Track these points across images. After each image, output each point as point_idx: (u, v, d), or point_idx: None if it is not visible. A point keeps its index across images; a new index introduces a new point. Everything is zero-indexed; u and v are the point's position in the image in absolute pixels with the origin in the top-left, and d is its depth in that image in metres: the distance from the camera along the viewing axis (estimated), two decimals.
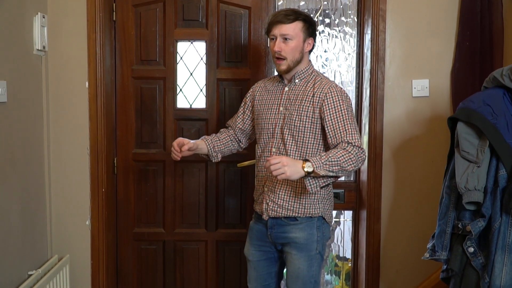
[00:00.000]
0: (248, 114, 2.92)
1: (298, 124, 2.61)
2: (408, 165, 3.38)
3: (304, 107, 2.60)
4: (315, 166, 2.38)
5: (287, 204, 2.66)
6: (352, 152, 2.45)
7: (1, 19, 2.67)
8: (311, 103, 2.60)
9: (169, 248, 3.57)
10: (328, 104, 2.56)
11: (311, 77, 2.69)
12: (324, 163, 2.39)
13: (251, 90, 2.94)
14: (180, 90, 3.52)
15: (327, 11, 3.61)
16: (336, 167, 2.41)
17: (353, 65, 3.57)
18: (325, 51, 3.61)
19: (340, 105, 2.55)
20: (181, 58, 3.50)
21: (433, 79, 3.34)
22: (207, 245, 3.57)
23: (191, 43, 3.48)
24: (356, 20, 3.53)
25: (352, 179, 3.59)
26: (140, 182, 3.53)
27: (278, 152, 2.67)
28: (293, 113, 2.62)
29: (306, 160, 2.40)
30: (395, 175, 3.39)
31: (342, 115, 2.54)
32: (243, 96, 3.42)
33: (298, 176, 2.39)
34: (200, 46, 3.48)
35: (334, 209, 3.61)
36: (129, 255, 3.57)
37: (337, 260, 3.72)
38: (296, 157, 2.61)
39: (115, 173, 3.50)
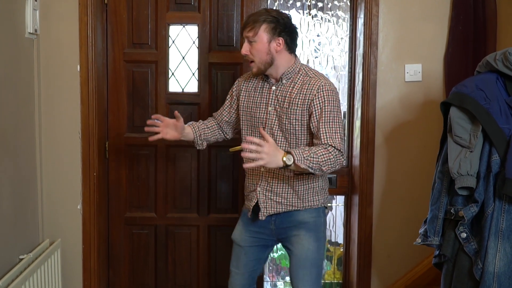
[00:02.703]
0: (234, 107, 2.87)
1: (289, 127, 2.56)
2: (401, 150, 3.38)
3: (293, 110, 2.54)
4: (296, 159, 2.33)
5: (285, 201, 2.63)
6: (332, 154, 2.39)
7: None
8: (301, 105, 2.53)
9: (160, 233, 3.57)
10: (315, 105, 2.50)
11: (298, 76, 2.60)
12: (306, 158, 2.35)
13: (237, 83, 2.88)
14: (172, 74, 3.49)
15: None
16: (315, 165, 2.36)
17: (346, 50, 3.56)
18: (318, 35, 3.59)
19: (326, 107, 2.48)
20: (173, 41, 3.46)
21: (426, 63, 3.33)
22: (199, 229, 3.57)
23: (183, 26, 3.45)
24: (349, 4, 3.51)
25: (344, 164, 3.59)
26: (132, 166, 3.51)
27: None
28: (282, 116, 2.57)
29: (288, 152, 2.35)
30: (387, 160, 3.39)
31: (329, 117, 2.47)
32: (235, 80, 3.40)
33: (274, 166, 2.35)
34: (192, 30, 3.45)
35: None
36: (121, 240, 3.56)
37: (329, 245, 3.72)
38: None
39: (106, 157, 3.48)
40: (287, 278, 3.77)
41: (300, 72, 2.61)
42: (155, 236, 3.57)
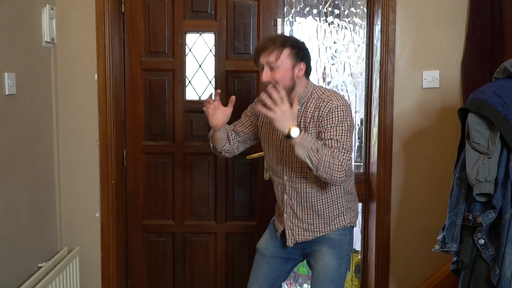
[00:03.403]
0: (247, 125, 2.81)
1: None
2: (418, 157, 3.36)
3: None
4: (302, 138, 2.31)
5: (312, 227, 2.62)
6: (336, 161, 2.34)
7: (10, 11, 2.67)
8: (315, 129, 2.49)
9: (178, 240, 3.58)
10: (327, 120, 2.44)
11: (311, 99, 2.53)
12: (311, 147, 2.32)
13: (252, 105, 2.86)
14: (189, 82, 3.51)
15: (336, 2, 3.58)
16: (316, 160, 2.32)
17: (363, 56, 3.55)
18: (334, 42, 3.59)
19: (338, 124, 2.42)
20: (190, 50, 3.49)
21: (443, 70, 3.31)
22: (216, 237, 3.57)
23: (200, 34, 3.47)
24: (365, 10, 3.51)
25: (361, 171, 3.57)
26: (149, 174, 3.53)
27: (289, 180, 2.60)
28: None
29: (298, 128, 2.32)
30: (405, 167, 3.37)
31: (340, 131, 2.42)
32: (252, 88, 3.41)
33: (280, 127, 2.32)
34: (209, 38, 3.47)
35: None
36: (139, 247, 3.58)
37: None
38: (303, 182, 2.57)
39: (124, 165, 3.50)
40: (305, 286, 3.75)
41: (313, 95, 2.54)
42: (173, 244, 3.58)
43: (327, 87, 3.55)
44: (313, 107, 2.51)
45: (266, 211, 3.51)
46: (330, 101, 2.46)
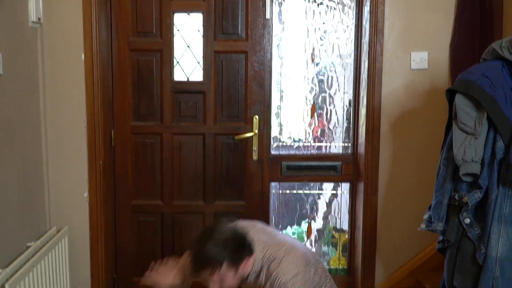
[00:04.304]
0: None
1: None
2: (406, 137, 3.39)
3: None
4: None
5: None
6: None
7: None
8: None
9: (167, 220, 3.59)
10: None
11: (262, 273, 2.41)
12: None
13: None
14: (177, 62, 3.50)
15: None
16: None
17: (352, 38, 3.55)
18: (323, 23, 3.58)
19: None
20: (178, 30, 3.47)
21: (432, 51, 3.33)
22: (205, 217, 3.59)
23: (188, 14, 3.45)
24: None
25: (349, 152, 3.59)
26: (137, 154, 3.53)
27: None
28: None
29: None
30: (392, 147, 3.39)
31: None
32: (241, 68, 3.41)
33: None
34: (197, 18, 3.45)
35: (332, 181, 3.63)
36: (128, 227, 3.58)
37: (334, 232, 3.74)
38: None
39: (112, 145, 3.49)
40: None
41: (263, 269, 2.40)
42: (162, 224, 3.59)
43: (315, 68, 3.57)
44: (265, 280, 2.40)
45: (255, 191, 3.53)
46: (277, 277, 2.33)
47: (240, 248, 2.34)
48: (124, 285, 3.64)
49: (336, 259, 3.74)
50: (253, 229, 2.52)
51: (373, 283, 3.47)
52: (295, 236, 3.76)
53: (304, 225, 3.77)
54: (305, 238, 3.77)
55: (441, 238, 2.45)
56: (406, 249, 3.43)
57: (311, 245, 3.77)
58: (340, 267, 3.73)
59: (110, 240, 3.52)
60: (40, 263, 2.84)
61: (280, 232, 2.78)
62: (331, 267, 3.74)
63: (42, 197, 3.23)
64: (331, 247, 3.76)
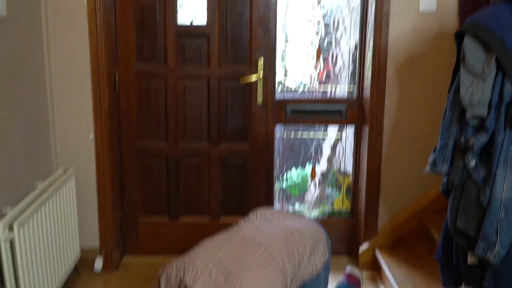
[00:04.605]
0: None
1: None
2: (412, 81, 3.37)
3: None
4: None
5: None
6: None
7: None
8: None
9: (172, 162, 3.62)
10: None
11: None
12: None
13: None
14: (181, 5, 3.45)
15: None
16: None
17: None
18: None
19: None
20: None
21: None
22: (210, 160, 3.62)
23: None
24: None
25: (355, 95, 3.59)
26: (142, 97, 3.53)
27: None
28: None
29: None
30: (398, 91, 3.38)
31: None
32: (245, 11, 3.37)
33: None
34: None
35: (337, 124, 3.64)
36: (133, 169, 3.62)
37: (338, 175, 3.78)
38: None
39: (116, 88, 3.49)
40: (297, 205, 3.84)
41: None
42: (167, 166, 3.63)
43: (321, 11, 3.52)
44: None
45: (259, 135, 3.55)
46: None
47: None
48: (131, 226, 3.71)
49: (339, 201, 3.78)
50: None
51: (376, 225, 3.52)
52: (300, 178, 3.79)
53: (309, 168, 3.80)
54: (309, 181, 3.80)
55: (445, 180, 2.46)
56: (409, 191, 3.47)
57: (315, 187, 3.81)
58: (344, 209, 3.78)
59: (117, 182, 3.56)
60: (48, 202, 2.88)
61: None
62: (335, 209, 3.79)
63: (48, 139, 3.25)
64: (335, 189, 3.80)
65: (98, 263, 3.51)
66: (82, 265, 3.48)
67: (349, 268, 3.23)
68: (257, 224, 2.59)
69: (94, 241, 3.51)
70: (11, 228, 2.48)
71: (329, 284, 3.23)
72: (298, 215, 2.74)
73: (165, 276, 2.36)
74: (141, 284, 3.42)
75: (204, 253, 2.36)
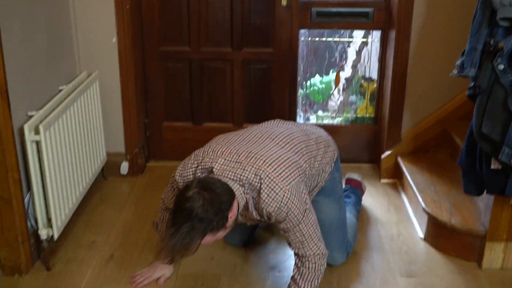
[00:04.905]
0: None
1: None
2: None
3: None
4: None
5: None
6: (316, 268, 2.30)
7: None
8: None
9: (195, 67, 3.59)
10: (282, 225, 2.25)
11: (250, 205, 2.23)
12: None
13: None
14: None
15: None
16: (313, 281, 2.31)
17: None
18: None
19: (295, 224, 2.23)
20: None
21: None
22: (233, 64, 3.58)
23: None
24: None
25: None
26: (164, 0, 3.46)
27: None
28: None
29: None
30: None
31: (299, 230, 2.25)
32: None
33: None
34: None
35: (362, 29, 3.56)
36: (157, 73, 3.61)
37: (362, 81, 3.73)
38: None
39: None
40: (320, 112, 3.83)
41: (249, 202, 2.22)
42: (190, 70, 3.61)
43: None
44: (256, 212, 2.25)
45: (283, 38, 3.49)
46: (269, 210, 2.17)
47: (218, 214, 2.06)
48: (155, 131, 3.75)
49: (363, 108, 3.76)
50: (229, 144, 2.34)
51: (399, 131, 3.50)
52: (323, 85, 3.76)
53: (332, 74, 3.76)
54: (333, 87, 3.77)
55: (472, 84, 2.42)
56: (434, 97, 3.42)
57: (338, 93, 3.77)
58: (367, 115, 3.76)
59: (140, 86, 3.56)
60: (73, 106, 2.90)
61: (272, 128, 2.54)
62: (358, 115, 3.77)
63: (71, 42, 3.24)
64: (359, 95, 3.77)
65: (124, 167, 3.57)
66: (108, 169, 3.56)
67: (348, 175, 3.26)
68: (273, 124, 2.61)
69: (119, 146, 3.57)
70: (37, 131, 2.51)
71: None
72: (302, 122, 2.75)
73: (182, 164, 2.39)
74: (165, 186, 3.49)
75: (223, 140, 2.38)
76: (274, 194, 2.14)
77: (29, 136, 2.48)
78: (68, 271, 2.70)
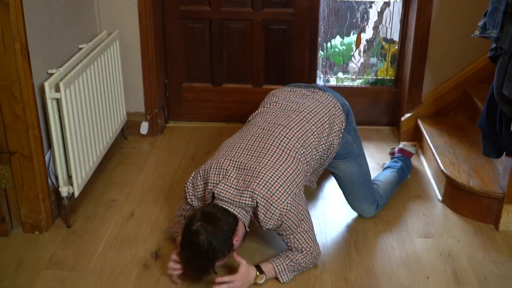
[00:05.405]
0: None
1: None
2: None
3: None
4: (272, 273, 2.35)
5: None
6: (309, 256, 2.38)
7: None
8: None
9: (215, 27, 3.58)
10: (280, 231, 2.34)
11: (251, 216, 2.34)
12: (286, 269, 2.36)
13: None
14: None
15: None
16: (299, 270, 2.40)
17: None
18: None
19: (289, 233, 2.33)
20: None
21: None
22: (253, 24, 3.56)
23: None
24: None
25: None
26: None
27: None
28: None
29: (261, 271, 2.33)
30: None
31: (293, 237, 2.34)
32: None
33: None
34: None
35: None
36: (176, 33, 3.60)
37: (384, 43, 3.68)
38: None
39: None
40: (340, 74, 3.80)
41: (249, 213, 2.32)
42: (210, 30, 3.59)
43: None
44: (259, 221, 2.31)
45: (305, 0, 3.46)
46: (267, 218, 2.26)
47: (224, 244, 2.21)
48: (175, 92, 3.76)
49: (384, 70, 3.72)
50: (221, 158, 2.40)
51: (420, 94, 3.47)
52: (344, 47, 3.72)
53: (353, 36, 3.72)
54: (354, 49, 3.73)
55: (494, 45, 2.38)
56: (456, 60, 3.37)
57: (359, 55, 3.74)
58: (388, 77, 3.72)
59: (160, 45, 3.56)
60: (93, 64, 2.91)
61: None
62: (379, 77, 3.74)
63: (91, 1, 3.24)
64: (380, 57, 3.73)
65: (144, 127, 3.60)
66: (129, 129, 3.60)
67: (402, 144, 3.25)
68: (272, 113, 2.58)
69: (139, 106, 3.59)
70: (57, 88, 2.53)
71: (376, 156, 3.30)
72: (313, 90, 2.72)
73: (191, 182, 2.45)
74: (185, 146, 3.52)
75: (226, 154, 2.41)
76: (270, 214, 2.25)
77: (49, 94, 2.51)
78: (88, 228, 2.75)
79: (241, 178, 2.30)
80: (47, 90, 2.50)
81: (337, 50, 3.74)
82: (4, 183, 2.57)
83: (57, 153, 2.61)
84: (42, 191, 2.62)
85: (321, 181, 3.09)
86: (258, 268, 2.35)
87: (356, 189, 2.72)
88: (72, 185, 2.69)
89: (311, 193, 2.96)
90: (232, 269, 2.37)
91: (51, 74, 2.60)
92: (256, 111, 2.66)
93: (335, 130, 2.56)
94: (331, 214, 2.87)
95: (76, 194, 2.73)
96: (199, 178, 2.41)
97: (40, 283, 2.36)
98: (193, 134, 3.69)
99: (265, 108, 2.64)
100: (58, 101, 2.55)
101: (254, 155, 2.36)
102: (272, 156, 2.34)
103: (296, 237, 2.33)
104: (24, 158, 2.53)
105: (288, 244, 2.38)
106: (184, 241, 2.23)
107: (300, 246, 2.35)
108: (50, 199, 2.70)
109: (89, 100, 2.86)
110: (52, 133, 2.58)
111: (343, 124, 2.60)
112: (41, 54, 2.59)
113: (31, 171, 2.56)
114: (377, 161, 3.32)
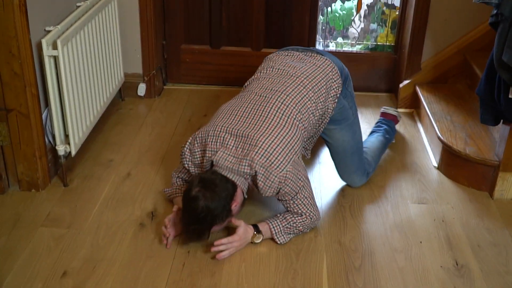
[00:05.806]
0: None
1: None
2: None
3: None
4: (269, 233, 2.38)
5: None
6: (308, 219, 2.39)
7: None
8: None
9: None
10: (278, 196, 2.35)
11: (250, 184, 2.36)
12: (283, 230, 2.37)
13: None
14: None
15: None
16: (297, 232, 2.42)
17: None
18: None
19: (289, 198, 2.34)
20: None
21: None
22: None
23: None
24: None
25: None
26: None
27: None
28: None
29: (256, 232, 2.36)
30: None
31: (293, 202, 2.36)
32: None
33: (244, 245, 2.37)
34: None
35: None
36: None
37: (384, 8, 3.65)
38: None
39: None
40: (339, 39, 3.78)
41: (248, 181, 2.34)
42: None
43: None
44: (258, 188, 2.31)
45: None
46: (267, 185, 2.27)
47: (222, 208, 2.25)
48: (173, 54, 3.73)
49: (384, 36, 3.70)
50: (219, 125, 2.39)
51: (419, 60, 3.45)
52: (344, 12, 3.69)
53: (354, 0, 3.68)
54: (354, 13, 3.70)
55: (494, 11, 2.36)
56: (456, 26, 3.35)
57: (359, 20, 3.71)
58: (388, 43, 3.70)
59: (159, 6, 3.52)
60: (91, 22, 2.88)
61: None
62: (378, 43, 3.72)
63: None
64: (380, 23, 3.70)
65: (141, 89, 3.59)
66: (126, 90, 3.59)
67: (383, 108, 3.24)
68: (269, 79, 2.55)
69: (137, 67, 3.57)
70: (54, 45, 2.51)
71: (372, 123, 3.29)
72: (310, 53, 2.69)
73: (188, 148, 2.43)
74: (182, 109, 3.52)
75: (223, 121, 2.39)
76: (270, 183, 2.25)
77: (47, 51, 2.49)
78: (85, 187, 2.76)
79: (239, 146, 2.30)
80: (45, 47, 2.47)
81: (337, 14, 3.71)
82: (0, 141, 2.57)
83: (54, 112, 2.61)
84: (39, 149, 2.62)
85: (317, 147, 3.10)
86: (256, 227, 2.37)
87: (348, 159, 2.71)
88: (69, 144, 2.69)
89: (307, 159, 2.97)
90: (230, 230, 2.40)
91: (49, 31, 2.58)
92: (252, 77, 2.64)
93: (332, 95, 2.55)
94: (327, 178, 2.89)
95: (73, 153, 2.73)
96: (196, 144, 2.40)
97: (36, 240, 2.38)
98: (190, 96, 3.68)
99: (261, 74, 2.62)
100: (56, 58, 2.53)
101: (252, 122, 2.35)
102: (270, 123, 2.34)
103: (296, 202, 2.35)
104: (21, 115, 2.52)
105: (288, 209, 2.40)
106: (183, 207, 2.27)
107: (299, 210, 2.37)
108: (47, 157, 2.70)
109: (86, 59, 2.84)
110: (49, 91, 2.57)
111: (340, 89, 2.58)
112: (38, 10, 2.56)
113: (28, 128, 2.55)
114: None
